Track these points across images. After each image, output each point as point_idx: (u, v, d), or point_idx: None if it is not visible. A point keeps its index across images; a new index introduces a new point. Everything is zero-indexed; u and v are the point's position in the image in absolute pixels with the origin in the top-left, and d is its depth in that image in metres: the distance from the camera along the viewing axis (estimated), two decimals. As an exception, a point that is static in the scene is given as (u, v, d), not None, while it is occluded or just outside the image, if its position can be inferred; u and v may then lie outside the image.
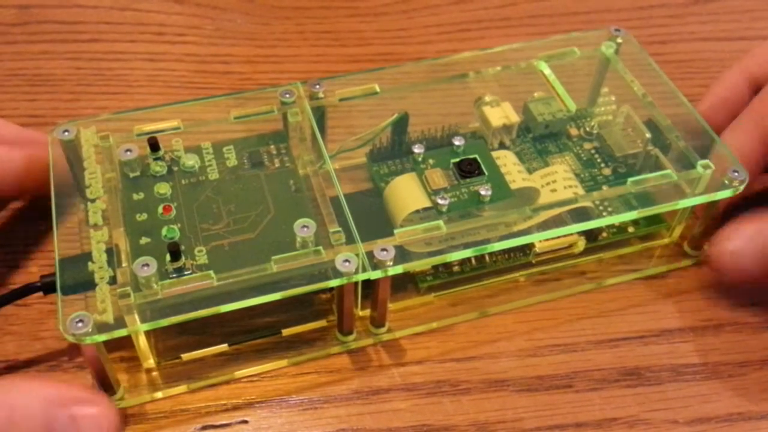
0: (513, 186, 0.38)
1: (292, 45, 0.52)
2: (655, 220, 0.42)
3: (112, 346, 0.34)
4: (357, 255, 0.34)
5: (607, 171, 0.41)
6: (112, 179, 0.37)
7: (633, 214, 0.38)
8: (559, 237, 0.38)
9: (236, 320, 0.37)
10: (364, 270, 0.34)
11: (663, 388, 0.37)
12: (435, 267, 0.39)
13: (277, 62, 0.51)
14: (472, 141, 0.40)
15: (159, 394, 0.36)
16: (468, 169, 0.38)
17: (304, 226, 0.35)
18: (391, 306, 0.38)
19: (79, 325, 0.32)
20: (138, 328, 0.33)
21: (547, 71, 0.42)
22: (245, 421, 0.35)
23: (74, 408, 0.31)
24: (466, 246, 0.36)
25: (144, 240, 0.36)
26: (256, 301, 0.33)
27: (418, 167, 0.39)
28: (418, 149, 0.39)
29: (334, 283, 0.34)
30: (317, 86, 0.41)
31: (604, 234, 0.41)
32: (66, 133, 0.38)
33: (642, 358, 0.38)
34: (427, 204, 0.37)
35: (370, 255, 0.34)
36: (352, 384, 0.37)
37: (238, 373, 0.37)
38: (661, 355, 0.38)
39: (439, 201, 0.37)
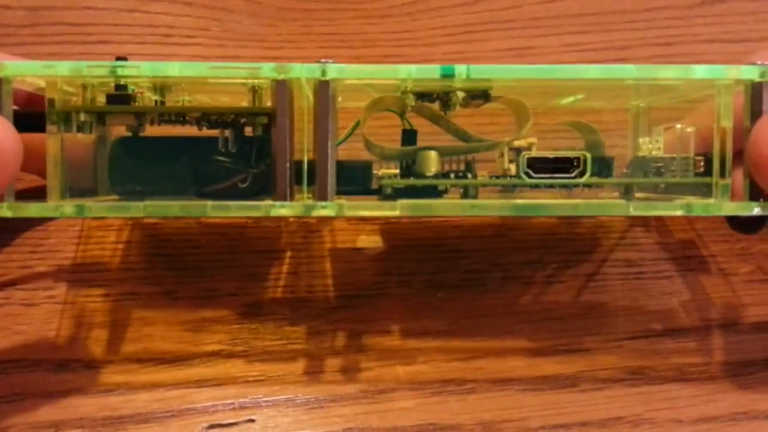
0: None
1: (298, 46, 0.52)
2: None
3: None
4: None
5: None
6: None
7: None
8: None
9: None
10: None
11: (667, 387, 0.37)
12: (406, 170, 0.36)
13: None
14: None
15: None
16: None
17: None
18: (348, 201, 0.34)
19: None
20: None
21: None
22: (252, 420, 0.36)
23: None
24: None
25: None
26: None
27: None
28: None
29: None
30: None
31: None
32: None
33: (646, 358, 0.38)
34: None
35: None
36: (358, 383, 0.37)
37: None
38: (666, 354, 0.38)
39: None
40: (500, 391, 0.36)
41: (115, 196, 0.36)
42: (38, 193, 0.34)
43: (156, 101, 0.36)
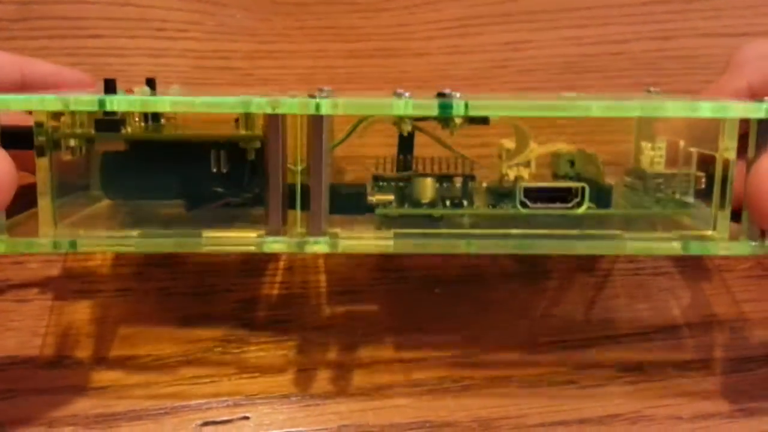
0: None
1: (292, 41, 0.52)
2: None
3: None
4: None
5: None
6: None
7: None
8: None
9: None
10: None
11: (666, 384, 0.37)
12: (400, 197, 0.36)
13: (278, 58, 0.51)
14: None
15: None
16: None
17: None
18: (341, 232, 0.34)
19: None
20: None
21: None
22: (246, 417, 0.35)
23: None
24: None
25: None
26: None
27: None
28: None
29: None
30: None
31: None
32: None
33: (645, 354, 0.37)
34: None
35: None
36: (354, 380, 0.36)
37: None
38: (665, 351, 0.38)
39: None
40: (498, 387, 0.36)
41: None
42: (27, 191, 0.33)
43: (146, 120, 0.36)
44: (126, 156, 0.35)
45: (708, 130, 0.36)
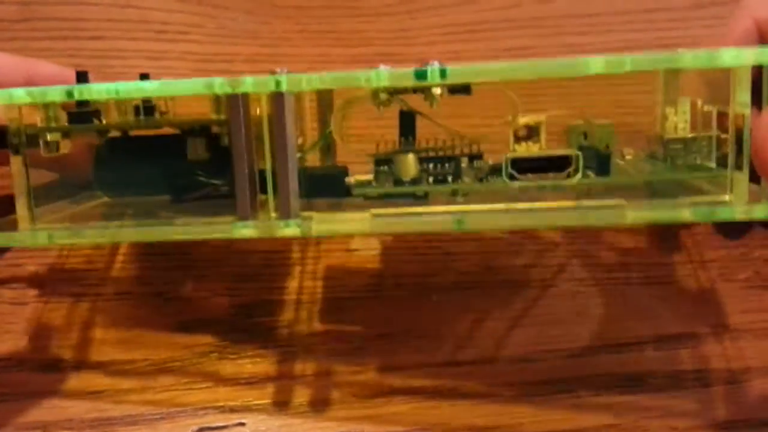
0: None
1: (293, 45, 0.52)
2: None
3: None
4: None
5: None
6: None
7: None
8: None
9: None
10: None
11: (663, 394, 0.36)
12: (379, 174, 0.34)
13: (279, 62, 0.51)
14: None
15: None
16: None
17: None
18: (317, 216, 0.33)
19: None
20: None
21: None
22: (242, 424, 0.35)
23: None
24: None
25: None
26: None
27: None
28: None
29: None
30: None
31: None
32: None
33: (641, 365, 0.37)
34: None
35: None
36: (350, 387, 0.36)
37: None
38: (662, 361, 0.38)
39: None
40: (493, 396, 0.36)
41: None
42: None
43: (138, 114, 0.36)
44: (112, 151, 0.35)
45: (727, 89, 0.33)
